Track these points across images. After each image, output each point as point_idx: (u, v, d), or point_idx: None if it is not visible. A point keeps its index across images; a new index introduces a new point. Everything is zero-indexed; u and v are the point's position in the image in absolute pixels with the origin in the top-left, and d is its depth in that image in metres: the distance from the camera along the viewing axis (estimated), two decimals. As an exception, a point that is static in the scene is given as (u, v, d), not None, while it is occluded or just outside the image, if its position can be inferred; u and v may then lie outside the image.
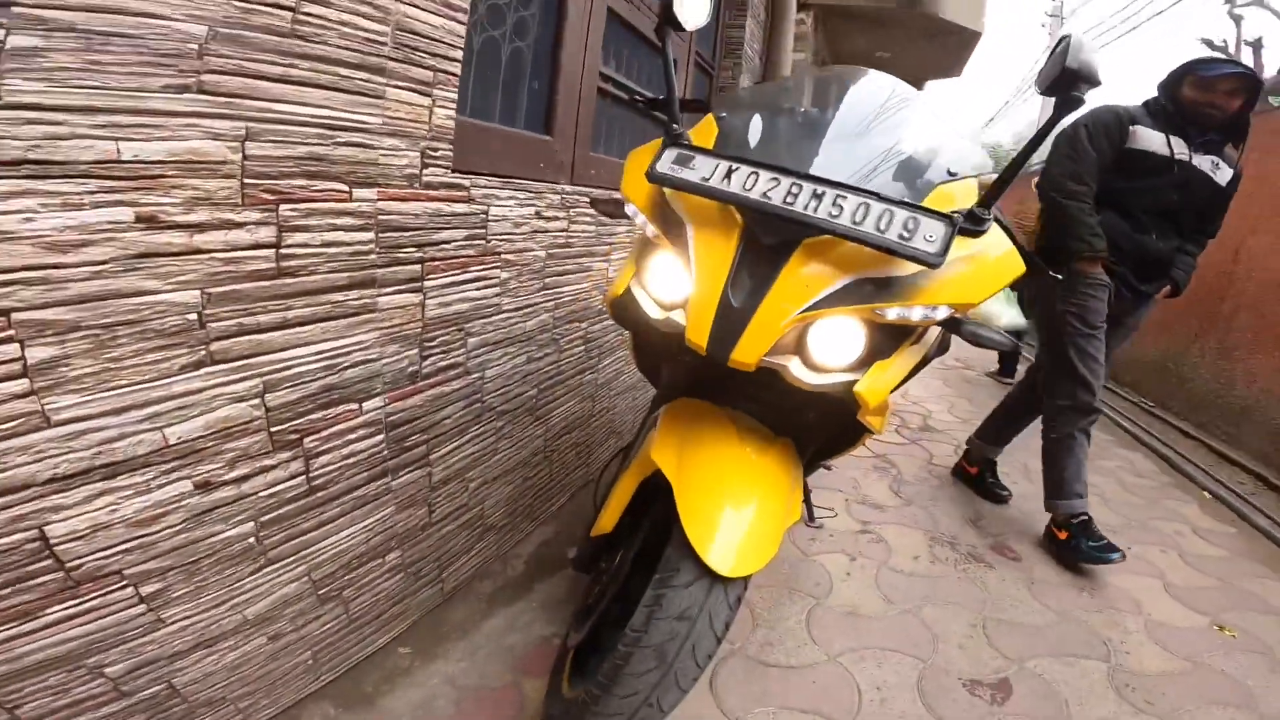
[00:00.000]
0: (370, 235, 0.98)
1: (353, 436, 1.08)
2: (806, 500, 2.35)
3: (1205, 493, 3.04)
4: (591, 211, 1.76)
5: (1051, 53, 0.79)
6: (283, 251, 0.84)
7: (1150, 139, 1.99)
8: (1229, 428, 3.72)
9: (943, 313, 0.86)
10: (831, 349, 0.87)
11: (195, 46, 0.69)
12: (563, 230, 1.62)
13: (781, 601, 1.78)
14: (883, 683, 1.49)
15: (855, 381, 0.87)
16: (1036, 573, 2.08)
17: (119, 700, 0.88)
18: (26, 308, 0.62)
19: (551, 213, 1.55)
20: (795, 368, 0.88)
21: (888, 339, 0.91)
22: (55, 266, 0.62)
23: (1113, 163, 2.03)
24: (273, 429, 0.93)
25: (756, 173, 0.85)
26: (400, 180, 1.03)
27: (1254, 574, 2.22)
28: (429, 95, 1.06)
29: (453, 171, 1.17)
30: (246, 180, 0.75)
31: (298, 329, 0.92)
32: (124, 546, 0.80)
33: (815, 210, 0.81)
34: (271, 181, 0.79)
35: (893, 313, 0.85)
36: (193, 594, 0.91)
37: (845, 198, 0.81)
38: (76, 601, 0.77)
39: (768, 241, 0.86)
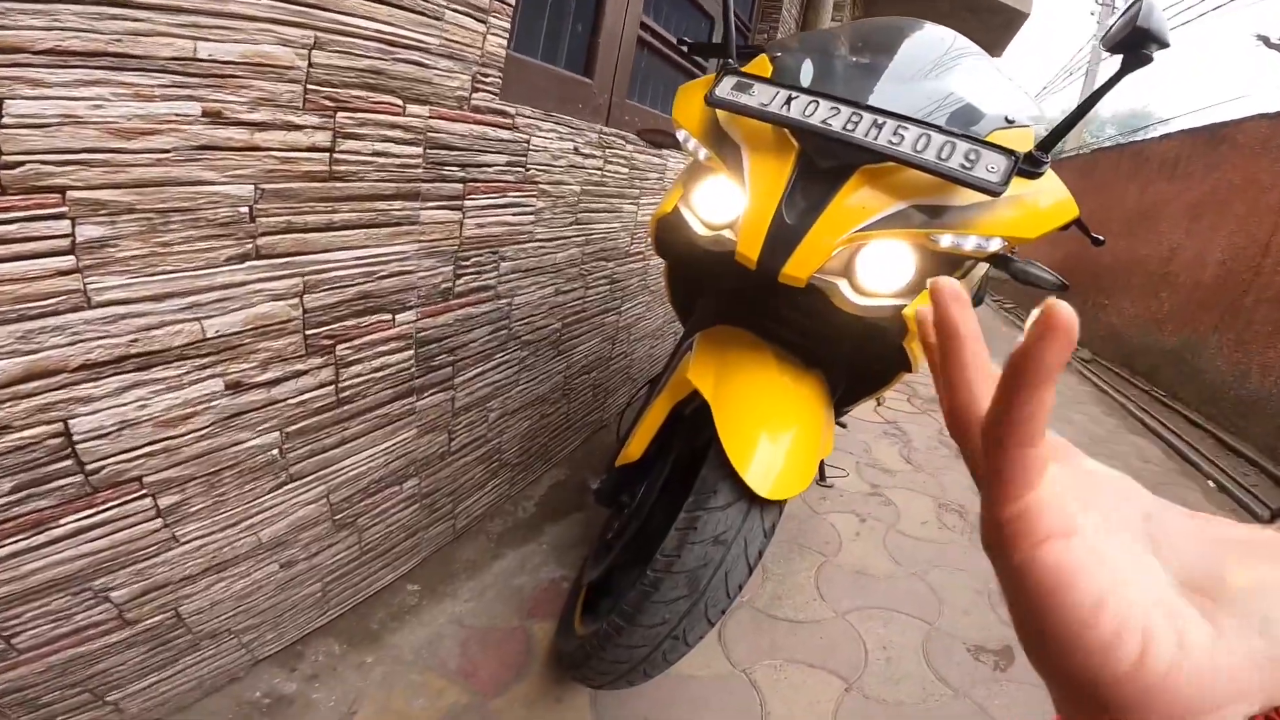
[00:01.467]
0: (419, 150, 0.96)
1: (384, 349, 1.05)
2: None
3: (1210, 482, 3.04)
4: (625, 154, 1.70)
5: (1124, 13, 0.79)
6: (336, 156, 0.83)
7: None
8: (1238, 419, 3.71)
9: (996, 244, 0.86)
10: (882, 272, 0.86)
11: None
12: (598, 169, 1.58)
13: (791, 557, 1.79)
14: (889, 642, 1.50)
15: (902, 307, 0.86)
16: None
17: (121, 629, 0.84)
18: (84, 187, 0.61)
19: (589, 150, 1.51)
20: (844, 288, 0.87)
21: (938, 268, 0.89)
22: (118, 151, 0.62)
23: None
24: (308, 331, 0.90)
25: (816, 101, 0.84)
26: (451, 100, 1.01)
27: None
28: (484, 22, 1.04)
29: (499, 99, 1.14)
30: (310, 86, 0.76)
31: (342, 232, 0.90)
32: (148, 449, 0.77)
33: (876, 138, 0.80)
34: (332, 89, 0.80)
35: (946, 239, 0.84)
36: (210, 510, 0.88)
37: (906, 128, 0.80)
38: (92, 512, 0.74)
39: (825, 165, 0.85)
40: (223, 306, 0.78)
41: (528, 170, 1.27)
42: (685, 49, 1.24)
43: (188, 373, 0.77)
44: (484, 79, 1.07)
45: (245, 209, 0.76)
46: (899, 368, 1.07)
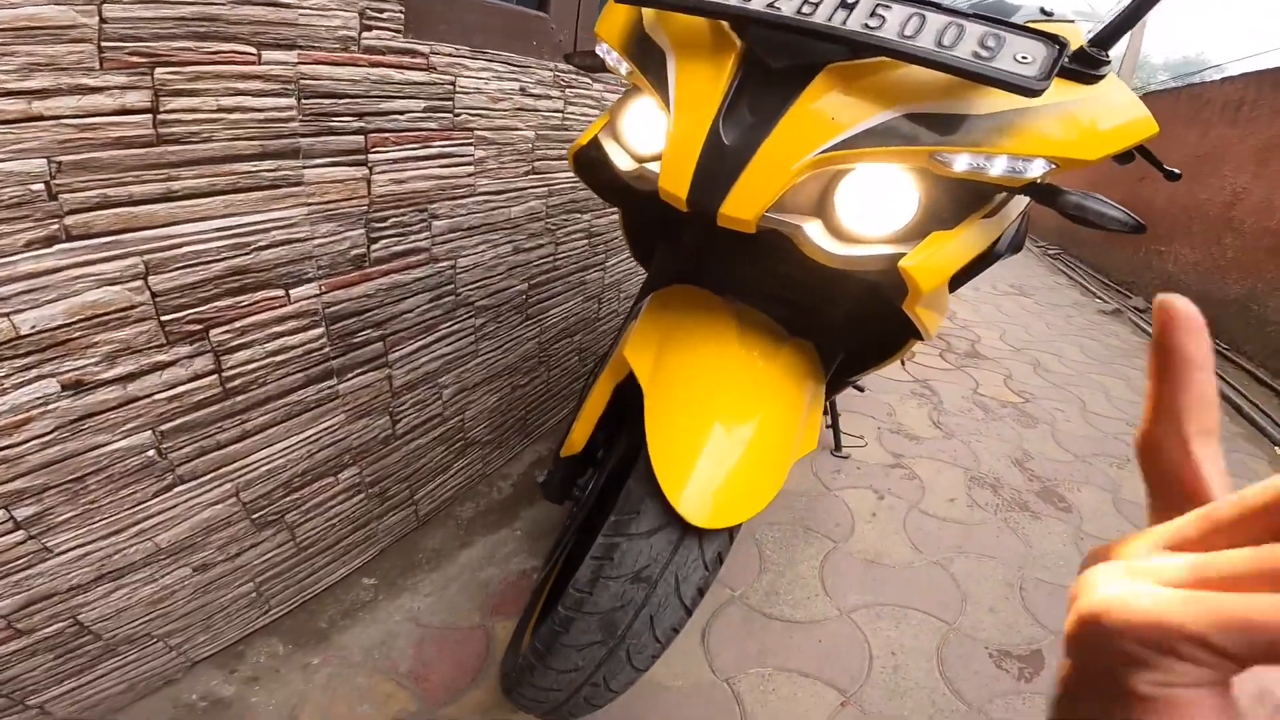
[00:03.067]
0: (290, 101, 0.81)
1: (279, 329, 0.91)
2: (833, 425, 2.14)
3: (1277, 448, 2.74)
4: (593, 95, 1.47)
5: None
6: (162, 117, 0.70)
7: None
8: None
9: (1038, 167, 0.61)
10: (870, 209, 0.64)
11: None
12: (556, 111, 1.36)
13: (794, 543, 1.61)
14: (899, 646, 1.33)
15: (900, 255, 0.63)
16: (1087, 527, 1.87)
17: (18, 638, 0.81)
18: None
19: (541, 90, 1.29)
20: (814, 232, 0.65)
21: (951, 203, 0.66)
22: None
23: None
24: (164, 317, 0.78)
25: None
26: (330, 43, 0.84)
27: None
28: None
29: (405, 36, 0.94)
30: (105, 44, 0.64)
31: (187, 202, 0.75)
32: None
33: (844, 23, 0.57)
34: (141, 44, 0.66)
35: (962, 161, 0.60)
36: (82, 518, 0.80)
37: (889, 7, 0.57)
38: None
39: (776, 65, 0.62)
40: (34, 299, 0.67)
41: (456, 115, 1.07)
42: None
43: (7, 374, 0.67)
44: (378, 15, 0.88)
45: (40, 186, 0.64)
46: (905, 335, 0.85)
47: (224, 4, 0.71)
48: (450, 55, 1.03)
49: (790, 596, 1.42)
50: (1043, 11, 0.72)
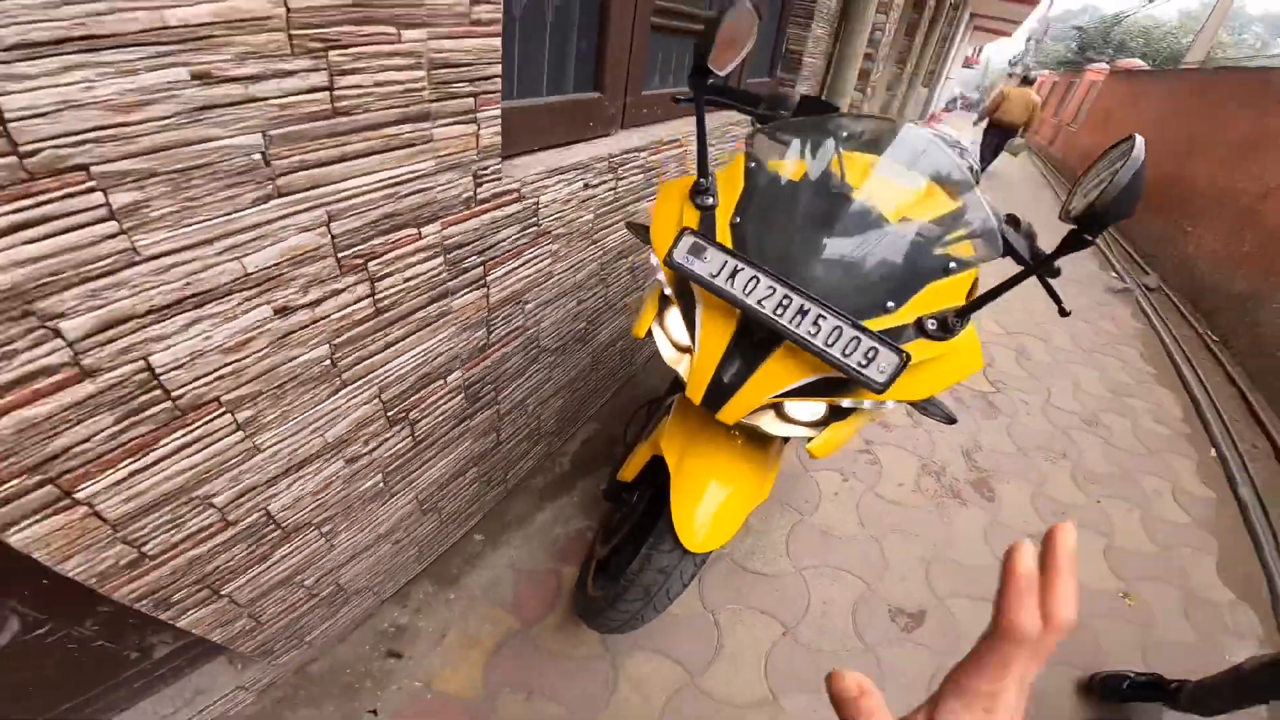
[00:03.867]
0: (422, 73, 1.00)
1: (413, 260, 1.16)
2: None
3: (1212, 451, 3.19)
4: (640, 161, 1.85)
5: (1096, 181, 0.90)
6: (336, 93, 0.87)
7: None
8: (1277, 383, 3.73)
9: (891, 405, 1.07)
10: (799, 414, 1.12)
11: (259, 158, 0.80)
12: (611, 189, 1.75)
13: (773, 514, 2.20)
14: (829, 599, 1.94)
15: (811, 438, 1.13)
16: (1001, 516, 2.42)
17: (226, 530, 1.04)
18: (103, 161, 0.67)
19: (599, 183, 1.67)
20: (767, 421, 1.13)
21: (845, 412, 1.14)
22: (123, 125, 0.67)
23: None
24: (339, 254, 1.00)
25: (757, 277, 0.99)
26: (450, 19, 1.03)
27: (1197, 547, 2.48)
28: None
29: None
30: (293, 32, 0.79)
31: (355, 162, 0.95)
32: (219, 373, 0.89)
33: (798, 326, 0.97)
34: (318, 30, 0.82)
35: (848, 403, 1.07)
36: (280, 419, 1.03)
37: (825, 318, 0.96)
38: (184, 431, 0.89)
39: (757, 335, 1.07)
40: (257, 245, 0.86)
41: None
42: (677, 101, 1.39)
43: (238, 304, 0.87)
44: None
45: (259, 155, 0.81)
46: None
47: None
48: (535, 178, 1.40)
49: (762, 556, 2.03)
50: (946, 270, 1.06)
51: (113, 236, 0.71)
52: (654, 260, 1.19)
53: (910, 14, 5.06)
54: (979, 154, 9.14)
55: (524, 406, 1.83)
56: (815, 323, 0.97)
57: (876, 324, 1.00)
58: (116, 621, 1.14)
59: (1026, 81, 8.61)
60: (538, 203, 1.45)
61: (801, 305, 0.98)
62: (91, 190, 0.67)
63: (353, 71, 0.88)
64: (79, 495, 0.81)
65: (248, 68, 0.75)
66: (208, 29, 0.71)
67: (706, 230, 1.11)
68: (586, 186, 1.63)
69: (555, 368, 1.91)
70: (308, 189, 0.89)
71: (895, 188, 1.20)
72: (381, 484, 1.38)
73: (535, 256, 1.54)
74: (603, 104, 1.72)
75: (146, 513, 0.91)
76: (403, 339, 1.23)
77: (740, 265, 1.01)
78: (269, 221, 0.86)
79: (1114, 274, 5.98)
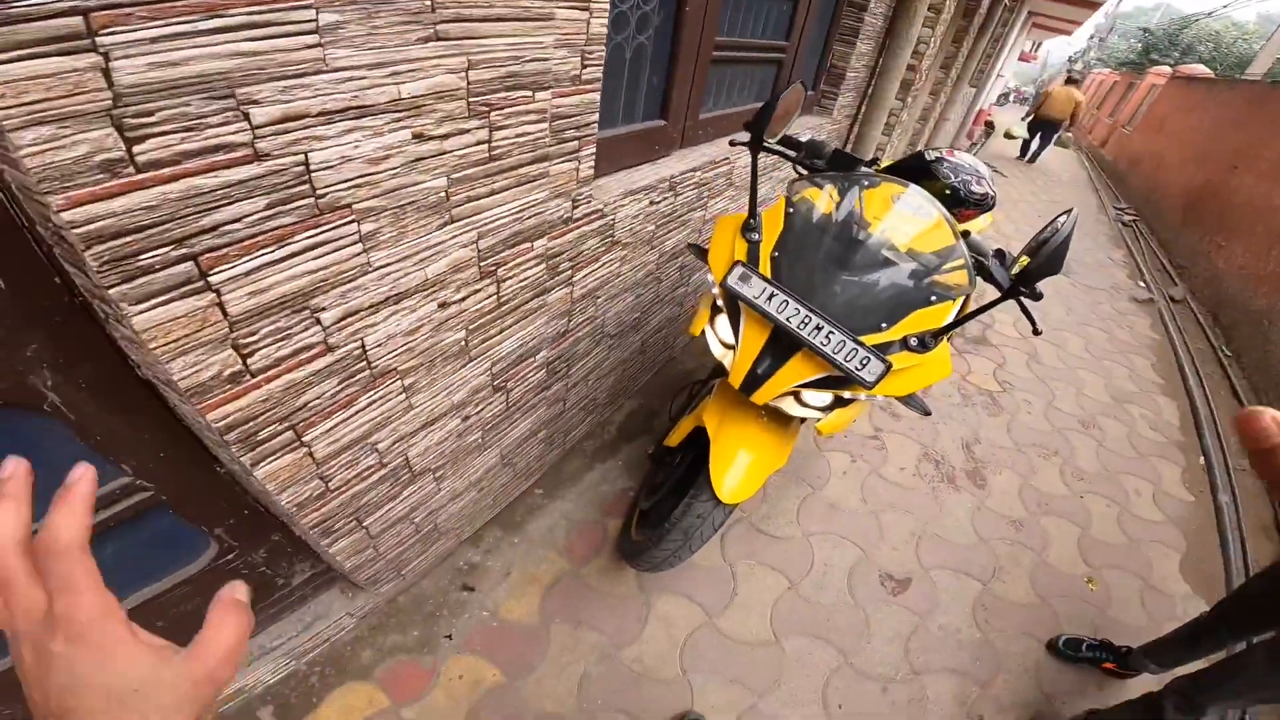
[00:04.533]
0: (545, 125, 1.28)
1: (528, 260, 1.47)
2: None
3: (1200, 458, 3.43)
4: (696, 181, 2.17)
5: (1040, 239, 1.21)
6: (493, 145, 1.16)
7: None
8: (1277, 401, 3.93)
9: (880, 399, 1.45)
10: (812, 400, 1.47)
11: (429, 4, 0.91)
12: (670, 205, 2.09)
13: (788, 486, 2.54)
14: (829, 562, 2.29)
15: (821, 418, 1.49)
16: (989, 503, 2.72)
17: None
18: (359, 201, 0.98)
19: (660, 199, 2.00)
20: (788, 404, 1.48)
21: (848, 401, 1.49)
22: (373, 174, 0.97)
23: None
24: (482, 263, 1.31)
25: (788, 301, 1.33)
26: (566, 82, 1.29)
27: (1166, 544, 2.75)
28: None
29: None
30: (470, 100, 1.05)
31: (499, 194, 1.26)
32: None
33: (815, 337, 1.30)
34: (485, 97, 1.08)
35: (847, 394, 1.43)
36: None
37: (834, 333, 1.29)
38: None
39: (785, 341, 1.40)
40: (435, 258, 1.17)
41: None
42: (734, 143, 1.67)
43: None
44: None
45: (443, 193, 1.10)
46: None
47: (518, 62, 1.10)
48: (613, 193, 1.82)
49: (776, 521, 2.39)
50: (931, 299, 1.36)
51: (358, 255, 1.03)
52: (710, 278, 1.53)
53: (959, 22, 5.16)
54: (1024, 146, 11.45)
55: (586, 381, 2.21)
56: (827, 336, 1.32)
57: (872, 339, 1.32)
58: (278, 550, 1.46)
59: (1071, 81, 10.46)
60: (614, 219, 1.80)
61: (819, 323, 1.32)
62: (351, 222, 0.97)
63: (503, 127, 1.16)
64: (305, 439, 1.14)
65: (444, 128, 1.02)
66: (423, 100, 0.96)
67: (753, 262, 1.43)
68: (651, 203, 1.97)
69: (613, 350, 2.28)
70: (470, 216, 1.20)
71: (908, 221, 1.49)
72: (481, 439, 1.75)
73: (609, 261, 1.90)
74: (666, 130, 2.03)
75: (336, 455, 1.22)
76: (513, 325, 1.58)
77: (776, 291, 1.35)
78: (444, 241, 1.17)
79: (1142, 284, 6.10)
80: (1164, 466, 3.29)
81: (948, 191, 2.17)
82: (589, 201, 1.62)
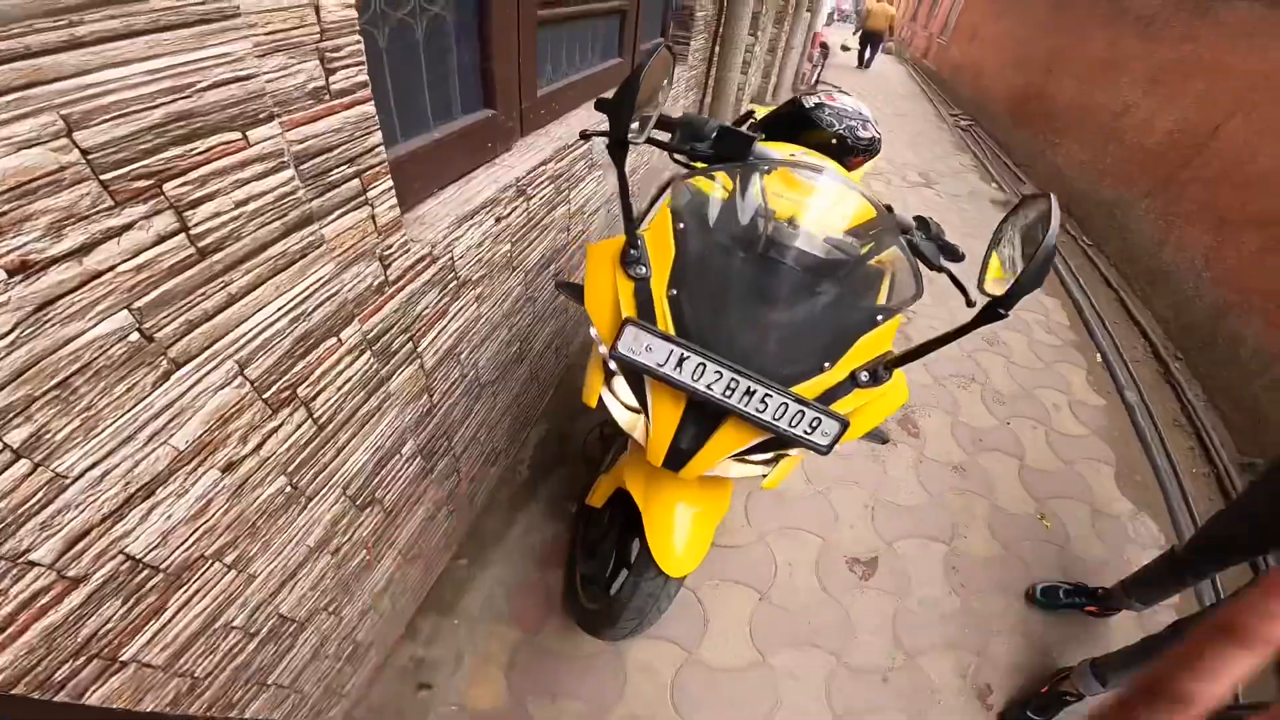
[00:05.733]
0: (289, 173, 0.84)
1: (341, 367, 1.09)
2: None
3: (1098, 355, 3.56)
4: (549, 174, 1.77)
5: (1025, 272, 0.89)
6: (193, 231, 0.72)
7: None
8: (1146, 287, 4.15)
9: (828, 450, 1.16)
10: (755, 460, 1.17)
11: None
12: (524, 214, 1.69)
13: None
14: (793, 559, 2.09)
15: (765, 475, 1.20)
16: (928, 451, 2.64)
17: (250, 641, 1.09)
18: None
19: (510, 211, 1.59)
20: (723, 470, 1.18)
21: (788, 459, 1.22)
22: None
23: None
24: (264, 395, 0.92)
25: (703, 364, 1.02)
26: (304, 100, 0.86)
27: (1094, 457, 2.80)
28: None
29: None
30: (104, 178, 0.62)
31: (243, 299, 0.83)
32: (194, 538, 0.87)
33: (747, 405, 1.02)
34: (137, 165, 0.64)
35: (795, 451, 1.16)
36: (262, 548, 1.02)
37: (771, 397, 1.01)
38: (184, 590, 0.89)
39: (709, 410, 1.09)
40: (178, 422, 0.79)
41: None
42: (584, 136, 1.35)
43: (185, 479, 0.83)
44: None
45: (136, 335, 0.69)
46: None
47: (183, 97, 0.66)
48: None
49: (727, 528, 2.14)
50: (875, 320, 1.11)
51: (31, 473, 0.64)
52: (594, 333, 1.18)
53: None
54: (860, 56, 13.64)
55: (476, 440, 1.83)
56: (764, 401, 1.02)
57: (816, 384, 1.07)
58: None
59: None
60: (452, 257, 1.37)
61: (748, 387, 1.01)
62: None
63: (204, 200, 0.72)
64: (124, 658, 0.83)
65: (68, 239, 0.60)
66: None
67: (646, 314, 1.10)
68: (498, 220, 1.55)
69: (499, 394, 1.91)
70: (207, 346, 0.79)
71: (829, 218, 1.21)
72: (367, 556, 1.39)
73: (460, 309, 1.49)
74: (498, 120, 1.60)
75: (182, 654, 0.94)
76: (352, 440, 1.19)
77: (687, 354, 1.03)
78: (180, 396, 0.78)
79: (994, 184, 6.38)
80: (1070, 372, 3.38)
81: (834, 141, 1.95)
82: (407, 250, 1.19)
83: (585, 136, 1.33)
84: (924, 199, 5.52)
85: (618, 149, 1.06)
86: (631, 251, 1.14)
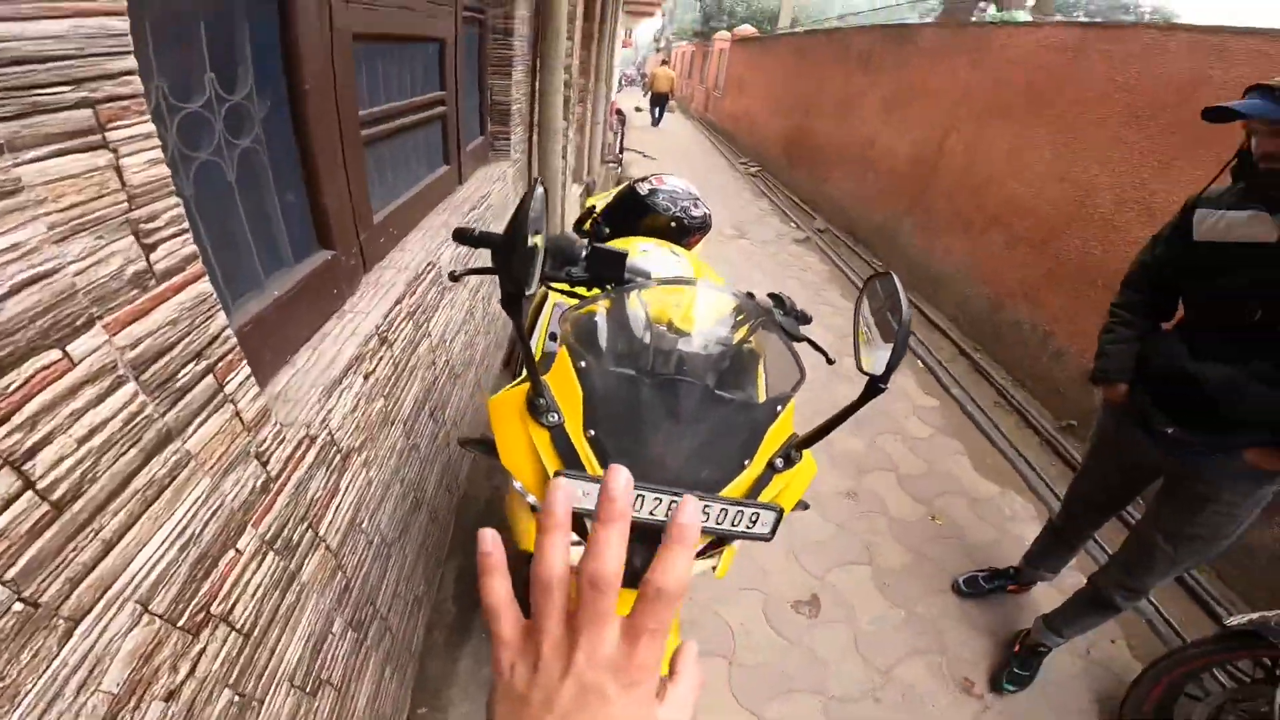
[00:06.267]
0: (131, 387, 0.71)
1: (248, 574, 0.98)
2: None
3: (919, 361, 4.06)
4: (405, 311, 1.63)
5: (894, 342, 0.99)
6: (39, 486, 0.60)
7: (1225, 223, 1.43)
8: (931, 292, 4.84)
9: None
10: (700, 559, 1.20)
11: None
12: (391, 359, 1.55)
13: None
14: (743, 618, 2.12)
15: (714, 566, 1.23)
16: (820, 485, 2.79)
17: None
18: None
19: (376, 364, 1.45)
20: None
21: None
22: None
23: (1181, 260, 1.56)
24: (179, 624, 0.82)
25: (642, 495, 1.04)
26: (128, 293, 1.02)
27: (951, 451, 3.18)
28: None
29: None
30: None
31: (119, 547, 0.71)
32: None
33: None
34: None
35: (737, 543, 1.21)
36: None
37: (710, 506, 1.06)
38: None
39: (653, 528, 1.08)
40: (95, 678, 0.70)
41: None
42: (454, 278, 1.26)
43: None
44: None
45: (19, 605, 0.59)
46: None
47: None
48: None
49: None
50: (777, 409, 1.16)
51: None
52: (519, 486, 1.16)
53: (584, 26, 5.29)
54: (651, 115, 15.15)
55: (399, 595, 1.66)
56: (704, 511, 1.06)
57: (742, 481, 1.12)
58: None
59: (664, 62, 14.77)
60: (330, 431, 1.23)
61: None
62: None
63: (41, 445, 0.59)
64: None
65: None
66: None
67: (567, 454, 1.10)
68: (366, 377, 1.40)
69: (406, 546, 1.75)
70: (98, 598, 0.68)
71: (711, 325, 1.29)
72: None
73: (351, 479, 1.36)
74: (339, 261, 1.43)
75: None
76: (281, 635, 1.09)
77: None
78: (92, 648, 0.68)
79: (793, 224, 7.13)
80: (903, 380, 3.82)
81: (672, 225, 2.08)
82: (282, 440, 1.04)
83: (455, 278, 1.26)
84: (741, 249, 5.99)
85: (512, 303, 0.99)
86: (540, 401, 1.12)
